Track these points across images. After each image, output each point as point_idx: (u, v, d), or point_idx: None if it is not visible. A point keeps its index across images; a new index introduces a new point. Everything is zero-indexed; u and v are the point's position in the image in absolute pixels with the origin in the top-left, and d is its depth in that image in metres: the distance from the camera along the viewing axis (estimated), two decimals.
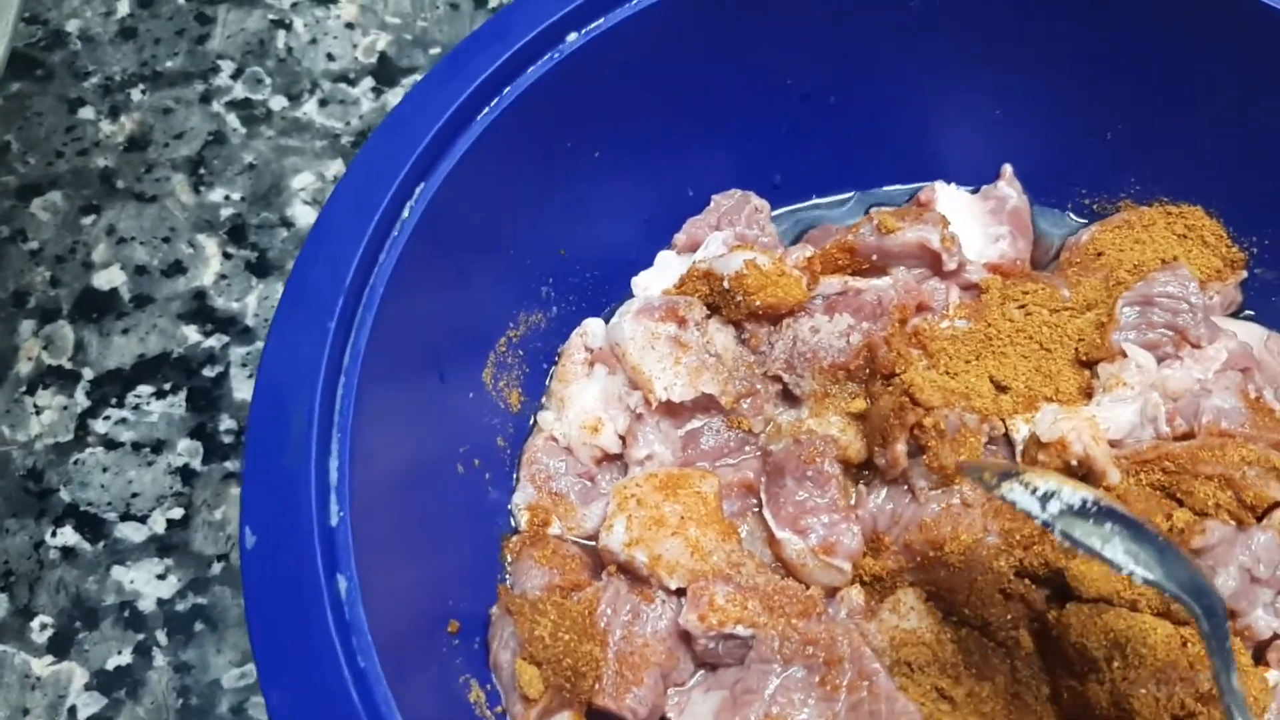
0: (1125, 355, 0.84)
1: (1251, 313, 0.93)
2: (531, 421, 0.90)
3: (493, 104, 0.81)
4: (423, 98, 0.79)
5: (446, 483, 0.82)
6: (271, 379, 0.70)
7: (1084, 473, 0.80)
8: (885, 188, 1.01)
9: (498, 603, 0.80)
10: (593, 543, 0.85)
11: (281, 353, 0.71)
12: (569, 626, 0.76)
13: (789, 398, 0.88)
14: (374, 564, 0.67)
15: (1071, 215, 0.99)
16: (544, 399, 0.92)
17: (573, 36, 0.83)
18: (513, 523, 0.87)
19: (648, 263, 0.96)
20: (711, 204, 0.96)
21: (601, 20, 0.84)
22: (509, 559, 0.84)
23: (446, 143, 0.79)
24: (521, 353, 0.90)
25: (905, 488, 0.82)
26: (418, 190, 0.77)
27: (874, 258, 0.90)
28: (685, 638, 0.79)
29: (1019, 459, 0.83)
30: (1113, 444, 0.81)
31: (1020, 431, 0.83)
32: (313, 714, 0.60)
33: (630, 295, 0.94)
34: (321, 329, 0.71)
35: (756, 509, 0.85)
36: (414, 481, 0.78)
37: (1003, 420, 0.83)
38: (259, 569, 0.64)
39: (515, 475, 0.88)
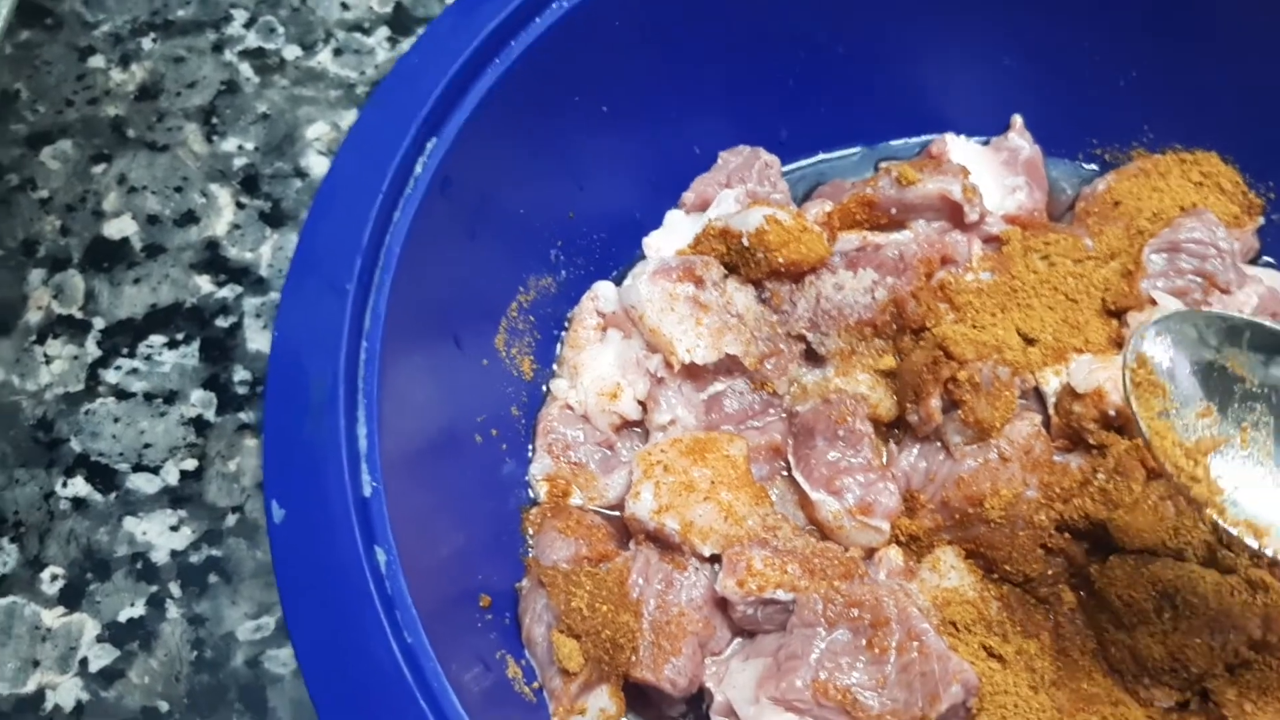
0: (1155, 303, 0.82)
1: (1270, 259, 0.92)
2: (544, 390, 0.87)
3: (501, 55, 0.78)
4: (430, 49, 0.76)
5: (465, 454, 0.78)
6: (290, 344, 0.66)
7: (1120, 423, 0.78)
8: (893, 141, 0.98)
9: (526, 576, 0.77)
10: (616, 513, 0.82)
11: (299, 316, 0.67)
12: (605, 597, 0.73)
13: (812, 357, 0.85)
14: (406, 536, 0.63)
15: (1083, 165, 0.97)
16: (555, 366, 0.88)
17: None
18: (531, 494, 0.83)
19: (655, 223, 0.93)
20: (719, 161, 0.93)
21: None
22: (530, 532, 0.81)
23: (457, 96, 0.75)
24: (532, 319, 0.86)
25: (938, 445, 0.80)
26: (429, 145, 0.74)
27: (893, 211, 0.88)
28: (722, 605, 0.76)
29: (1051, 412, 0.81)
30: None
31: (1050, 384, 0.81)
32: (361, 695, 0.57)
33: (639, 257, 0.91)
34: (340, 290, 0.67)
35: (785, 472, 0.83)
36: (435, 451, 0.75)
37: (1032, 373, 0.81)
38: (290, 544, 0.60)
39: (531, 446, 0.84)
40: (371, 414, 0.65)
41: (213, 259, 1.01)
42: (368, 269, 0.68)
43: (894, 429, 0.83)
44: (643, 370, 0.84)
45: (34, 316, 0.98)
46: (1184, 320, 0.67)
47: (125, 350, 0.97)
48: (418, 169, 0.73)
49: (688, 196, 0.93)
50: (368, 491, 0.62)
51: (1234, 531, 0.64)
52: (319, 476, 0.62)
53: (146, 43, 1.12)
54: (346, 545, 0.60)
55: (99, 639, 0.86)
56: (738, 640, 0.77)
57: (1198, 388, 0.67)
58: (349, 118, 1.08)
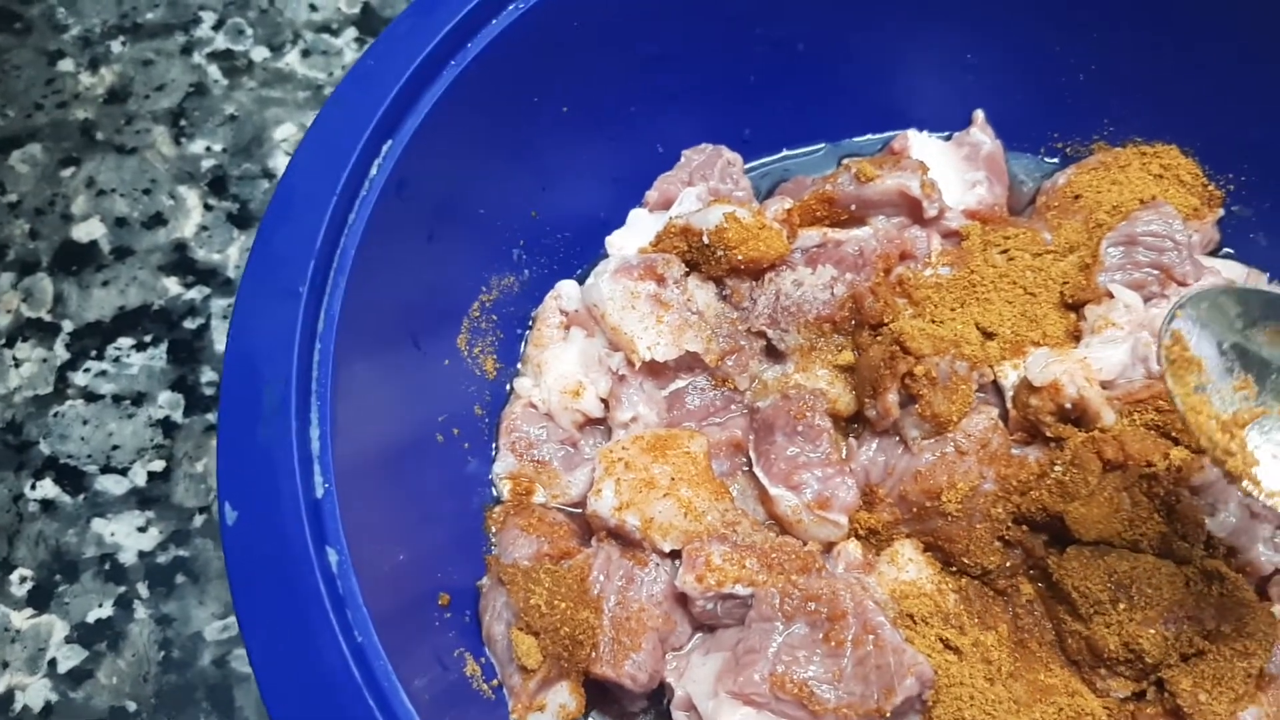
0: (1112, 296, 0.82)
1: (1230, 251, 0.92)
2: (508, 389, 0.87)
3: (457, 57, 0.78)
4: (387, 51, 0.76)
5: (426, 453, 0.79)
6: (243, 347, 0.66)
7: (1077, 415, 0.79)
8: (856, 138, 0.99)
9: (487, 574, 0.77)
10: (579, 510, 0.82)
11: (253, 319, 0.67)
12: (564, 594, 0.74)
13: (773, 353, 0.85)
14: (361, 537, 0.64)
15: (1044, 159, 0.97)
16: (519, 365, 0.89)
17: None
18: (494, 493, 0.84)
19: (619, 222, 0.93)
20: (682, 159, 0.94)
21: None
22: (493, 530, 0.81)
23: (412, 97, 0.76)
24: (495, 318, 0.87)
25: (897, 439, 0.81)
26: (385, 147, 0.74)
27: (853, 207, 0.88)
28: (682, 600, 0.76)
29: (1009, 405, 0.81)
30: (1105, 385, 0.80)
31: (1009, 378, 0.82)
32: (311, 694, 0.57)
33: (603, 255, 0.91)
34: (293, 294, 0.67)
35: (746, 468, 0.83)
36: (394, 452, 0.75)
37: (991, 367, 0.82)
38: (243, 546, 0.61)
39: (494, 444, 0.85)
40: (324, 416, 0.65)
41: (181, 261, 1.02)
42: (321, 271, 0.69)
43: (853, 424, 0.83)
44: (605, 368, 0.85)
45: (3, 320, 0.99)
46: (1219, 296, 0.67)
47: (94, 353, 0.98)
48: (373, 171, 0.73)
49: (651, 195, 0.93)
50: (319, 493, 0.63)
51: (1269, 504, 0.64)
52: (271, 479, 0.62)
53: (116, 46, 1.13)
54: (298, 546, 0.60)
55: (67, 640, 0.86)
56: (698, 635, 0.78)
57: (1234, 361, 0.66)
58: None
